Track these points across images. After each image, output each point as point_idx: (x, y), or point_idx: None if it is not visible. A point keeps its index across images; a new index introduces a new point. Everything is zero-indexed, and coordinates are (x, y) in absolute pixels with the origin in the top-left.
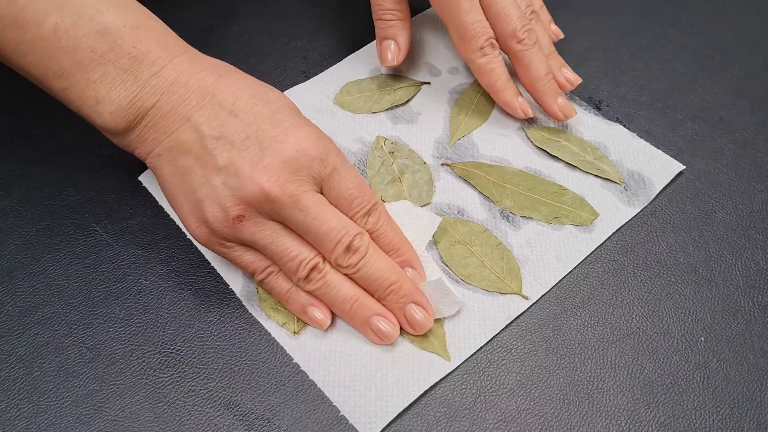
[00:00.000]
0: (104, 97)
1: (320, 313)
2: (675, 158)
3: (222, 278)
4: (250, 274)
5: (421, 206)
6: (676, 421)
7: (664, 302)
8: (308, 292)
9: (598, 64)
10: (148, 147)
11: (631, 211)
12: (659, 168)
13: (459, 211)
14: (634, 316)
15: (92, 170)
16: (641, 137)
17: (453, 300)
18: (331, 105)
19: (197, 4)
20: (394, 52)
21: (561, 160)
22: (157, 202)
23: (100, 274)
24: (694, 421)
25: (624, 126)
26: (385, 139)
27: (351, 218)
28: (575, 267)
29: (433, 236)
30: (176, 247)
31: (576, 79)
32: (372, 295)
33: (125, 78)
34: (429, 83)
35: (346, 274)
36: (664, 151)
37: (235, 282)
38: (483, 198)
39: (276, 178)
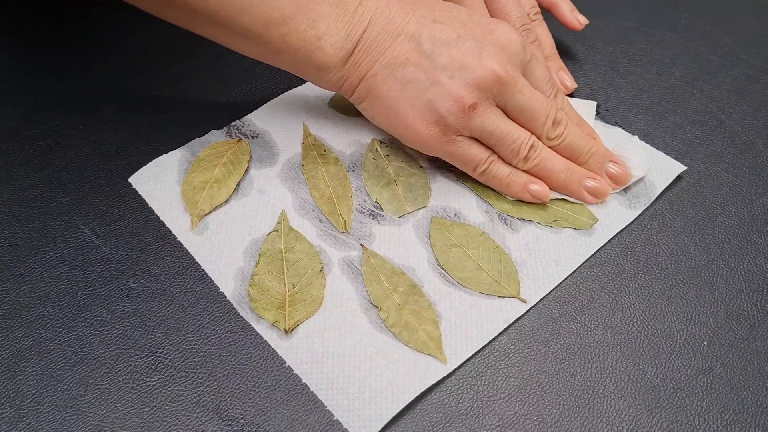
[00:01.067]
0: (325, 32)
1: (540, 187)
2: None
3: (212, 281)
4: (472, 168)
5: (417, 209)
6: (679, 427)
7: (665, 306)
8: (527, 171)
9: (597, 68)
10: (362, 70)
11: (632, 214)
12: (660, 169)
13: (456, 215)
14: (635, 319)
15: (81, 172)
16: (641, 140)
17: (643, 158)
18: (326, 108)
19: None
20: (570, 80)
21: None
22: (147, 205)
23: (87, 277)
24: (698, 426)
25: (623, 130)
26: (380, 142)
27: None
28: (574, 270)
29: (429, 239)
30: (166, 250)
31: (572, 84)
32: (575, 162)
33: (338, 12)
34: None
35: (552, 148)
36: (664, 154)
37: (226, 285)
38: (480, 201)
39: (500, 61)
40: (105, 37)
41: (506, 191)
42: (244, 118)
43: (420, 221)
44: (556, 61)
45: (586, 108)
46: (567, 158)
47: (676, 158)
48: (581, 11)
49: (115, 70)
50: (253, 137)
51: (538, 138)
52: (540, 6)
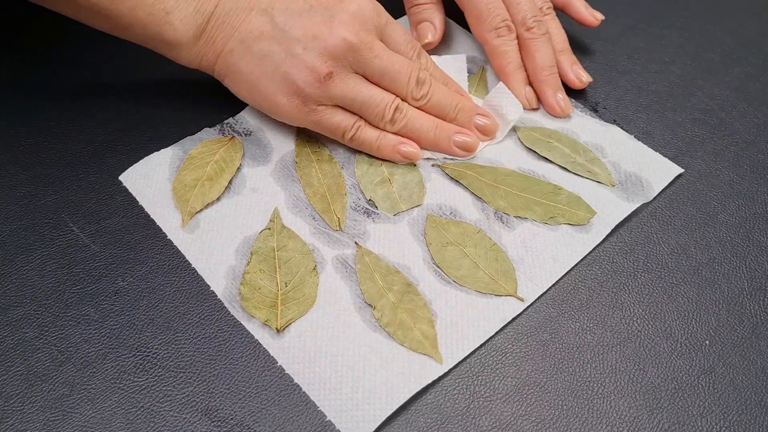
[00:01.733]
0: (173, 6)
1: (411, 147)
2: (674, 160)
3: (203, 280)
4: (340, 135)
5: (412, 207)
6: (681, 428)
7: (666, 305)
8: (395, 133)
9: (595, 66)
10: (218, 47)
11: (629, 206)
12: (657, 170)
13: (451, 212)
14: (635, 319)
15: (71, 169)
16: (639, 139)
17: (515, 102)
18: None
19: None
20: (432, 30)
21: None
22: (137, 203)
23: (74, 275)
24: (700, 427)
25: (621, 128)
26: None
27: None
28: (572, 268)
29: (425, 237)
30: (155, 248)
31: (587, 78)
32: (444, 119)
33: None
34: None
35: (419, 108)
36: (663, 153)
37: (217, 283)
38: (475, 199)
39: (351, 28)
40: (96, 33)
41: (377, 154)
42: (237, 116)
43: (415, 219)
44: (569, 56)
45: (455, 63)
46: (435, 116)
47: (675, 156)
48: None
49: (107, 66)
50: (246, 135)
51: (404, 99)
52: (554, 4)
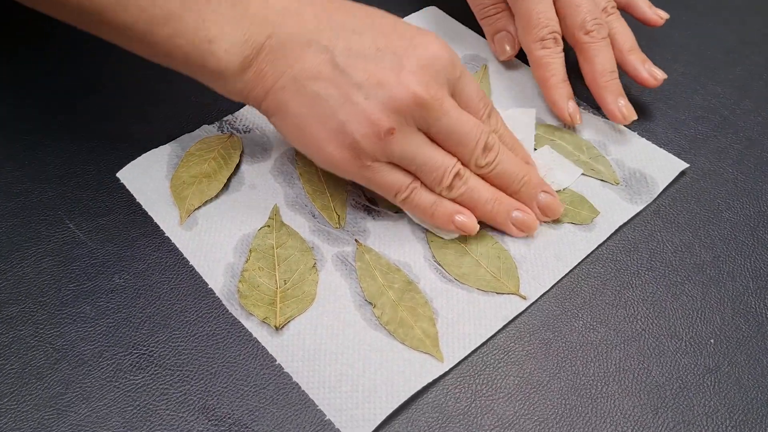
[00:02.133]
0: (216, 35)
1: (467, 218)
2: (678, 157)
3: (201, 277)
4: (392, 195)
5: None
6: (686, 428)
7: (670, 303)
8: (452, 200)
9: None
10: (268, 83)
11: (633, 209)
12: (662, 166)
13: None
14: (638, 317)
15: (69, 166)
16: (642, 136)
17: (570, 166)
18: None
19: None
20: (510, 42)
21: None
22: (135, 200)
23: (71, 272)
24: (706, 427)
25: (625, 125)
26: None
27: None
28: (575, 266)
29: (426, 235)
30: (153, 246)
31: (662, 75)
32: (506, 191)
33: (234, 13)
34: None
35: (482, 175)
36: (666, 150)
37: (215, 281)
38: None
39: (422, 80)
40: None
41: (430, 221)
42: (236, 113)
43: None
44: (639, 54)
45: (524, 118)
46: (498, 186)
47: (679, 154)
48: None
49: (105, 63)
50: (245, 132)
51: (466, 164)
52: (616, 4)
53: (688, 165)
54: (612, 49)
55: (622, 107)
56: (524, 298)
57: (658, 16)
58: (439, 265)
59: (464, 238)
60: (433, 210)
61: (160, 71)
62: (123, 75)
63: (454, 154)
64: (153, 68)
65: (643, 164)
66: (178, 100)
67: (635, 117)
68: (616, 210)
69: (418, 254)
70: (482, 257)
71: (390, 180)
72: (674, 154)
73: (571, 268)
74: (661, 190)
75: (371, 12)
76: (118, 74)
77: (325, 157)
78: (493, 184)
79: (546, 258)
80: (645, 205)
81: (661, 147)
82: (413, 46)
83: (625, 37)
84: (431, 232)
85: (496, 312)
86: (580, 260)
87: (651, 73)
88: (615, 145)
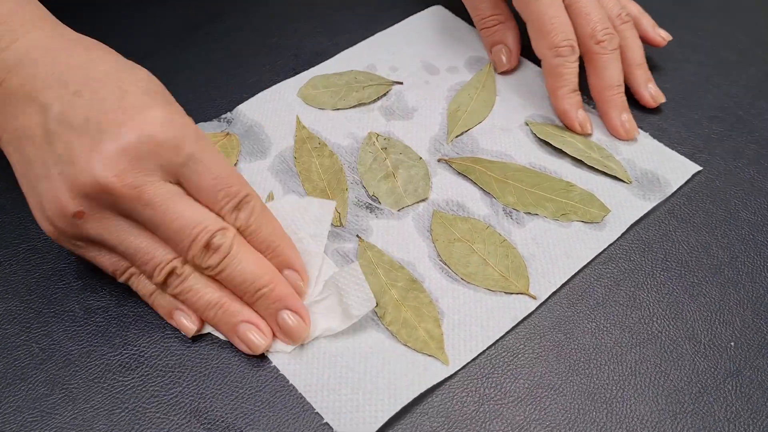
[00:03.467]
0: None
1: (186, 320)
2: (692, 157)
3: None
4: (111, 275)
5: (417, 202)
6: None
7: (687, 305)
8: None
9: None
10: None
11: (646, 205)
12: (674, 168)
13: (458, 207)
14: (654, 319)
15: None
16: (655, 136)
17: (367, 296)
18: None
19: (183, 2)
20: (506, 54)
21: (567, 155)
22: None
23: (60, 270)
24: None
25: (636, 125)
26: (378, 134)
27: (218, 214)
28: (586, 265)
29: (430, 233)
30: None
31: (662, 99)
32: (241, 299)
33: None
34: (401, 83)
35: (209, 275)
36: (679, 151)
37: None
38: (484, 194)
39: (113, 167)
40: (91, 31)
41: (155, 309)
42: (234, 111)
43: (420, 215)
44: (645, 72)
45: (317, 211)
46: (232, 290)
47: (693, 154)
48: None
49: None
50: (243, 130)
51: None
52: None
53: (701, 168)
54: (621, 62)
55: (625, 122)
56: (534, 297)
57: (661, 37)
58: (445, 264)
59: (471, 237)
60: (152, 301)
61: (154, 70)
62: None
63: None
64: (148, 66)
65: (655, 165)
66: (174, 98)
67: (637, 133)
68: (627, 207)
69: (422, 253)
70: (490, 256)
71: (103, 261)
72: (688, 154)
73: (581, 266)
74: (674, 190)
75: (116, 72)
76: None
77: (44, 228)
78: (226, 287)
79: (556, 256)
80: (658, 202)
81: (674, 146)
82: (123, 121)
83: (635, 50)
84: (436, 232)
85: (505, 312)
86: (591, 258)
87: (652, 95)
88: (626, 146)
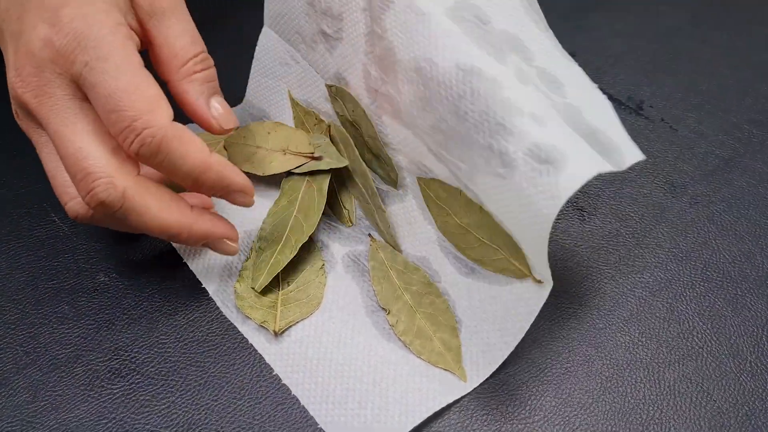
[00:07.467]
0: None
1: None
2: (731, 161)
3: (194, 277)
4: None
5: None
6: None
7: (730, 319)
8: None
9: (636, 65)
10: None
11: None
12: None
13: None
14: (695, 333)
15: None
16: (690, 137)
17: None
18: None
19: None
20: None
21: None
22: None
23: (51, 269)
24: None
25: (671, 127)
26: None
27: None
28: (615, 274)
29: (429, 210)
30: (144, 243)
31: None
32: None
33: None
34: None
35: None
36: (718, 155)
37: (210, 281)
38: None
39: (18, 75)
40: None
41: None
42: (237, 107)
43: (417, 190)
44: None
45: None
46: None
47: (731, 157)
48: (616, 11)
49: None
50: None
51: None
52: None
53: (644, 157)
54: None
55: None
56: (540, 282)
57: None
58: (454, 248)
59: (455, 210)
60: None
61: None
62: None
63: None
64: (147, 67)
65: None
66: None
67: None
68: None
69: (432, 242)
70: (478, 230)
71: None
72: (726, 157)
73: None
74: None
75: None
76: None
77: None
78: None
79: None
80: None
81: (713, 150)
82: (39, 23)
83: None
84: (431, 207)
85: (521, 307)
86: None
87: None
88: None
